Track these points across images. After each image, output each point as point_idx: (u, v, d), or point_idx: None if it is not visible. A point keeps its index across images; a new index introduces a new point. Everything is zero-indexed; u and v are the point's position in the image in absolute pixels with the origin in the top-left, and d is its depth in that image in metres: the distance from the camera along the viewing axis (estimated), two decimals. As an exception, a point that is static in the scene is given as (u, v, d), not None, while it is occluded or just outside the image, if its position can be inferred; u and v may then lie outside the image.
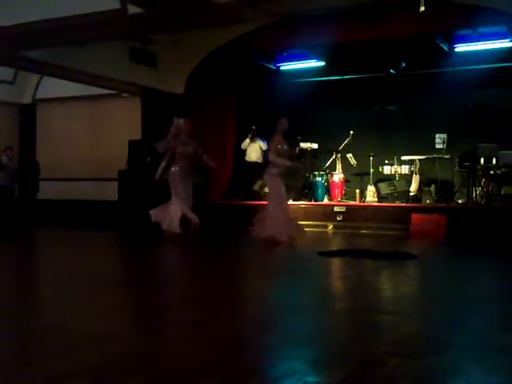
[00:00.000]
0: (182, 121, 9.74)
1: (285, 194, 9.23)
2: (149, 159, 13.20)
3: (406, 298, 5.29)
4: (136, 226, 12.39)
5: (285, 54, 13.89)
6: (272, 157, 8.99)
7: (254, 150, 14.21)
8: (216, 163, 10.10)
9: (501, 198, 11.62)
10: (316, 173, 13.40)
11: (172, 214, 9.47)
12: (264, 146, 13.79)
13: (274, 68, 14.45)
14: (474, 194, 11.67)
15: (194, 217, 9.50)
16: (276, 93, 14.57)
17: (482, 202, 11.42)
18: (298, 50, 13.59)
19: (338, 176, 13.22)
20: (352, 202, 12.90)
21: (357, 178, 13.50)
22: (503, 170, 11.67)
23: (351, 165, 13.49)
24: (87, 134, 15.16)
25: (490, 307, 4.71)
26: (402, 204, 12.23)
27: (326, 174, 13.38)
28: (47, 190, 15.39)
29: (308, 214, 12.51)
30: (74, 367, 3.06)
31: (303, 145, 13.55)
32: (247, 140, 14.18)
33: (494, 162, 11.57)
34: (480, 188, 11.68)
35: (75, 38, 10.59)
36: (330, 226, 12.20)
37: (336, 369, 3.09)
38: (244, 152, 14.32)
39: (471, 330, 3.87)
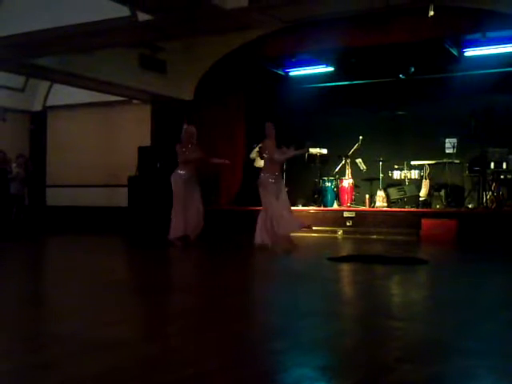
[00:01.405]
0: (185, 127, 9.87)
1: (283, 197, 9.26)
2: (158, 165, 13.25)
3: (416, 303, 5.27)
4: (146, 231, 12.44)
5: (294, 60, 13.89)
6: (277, 156, 9.10)
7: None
8: (226, 161, 10.49)
9: (511, 202, 11.57)
10: (325, 178, 13.39)
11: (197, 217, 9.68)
12: None
13: (283, 74, 14.47)
14: (485, 199, 11.62)
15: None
16: (285, 98, 14.59)
17: (493, 207, 11.37)
18: (307, 55, 13.59)
19: (347, 181, 13.20)
20: (362, 208, 12.88)
21: (366, 183, 13.49)
22: (514, 174, 11.64)
23: (361, 170, 13.48)
24: (97, 140, 15.22)
25: (502, 313, 4.69)
26: (412, 209, 12.21)
27: (336, 180, 13.37)
28: (58, 197, 15.49)
29: (317, 219, 12.50)
30: (83, 372, 3.06)
31: (312, 150, 13.55)
32: (255, 150, 14.16)
33: (504, 166, 11.54)
34: (490, 193, 11.64)
35: (85, 45, 10.66)
36: (340, 232, 12.19)
37: (346, 375, 3.09)
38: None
39: (483, 336, 3.85)
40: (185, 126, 9.95)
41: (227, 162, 10.51)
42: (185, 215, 9.58)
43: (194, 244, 9.71)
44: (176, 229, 9.61)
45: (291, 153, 9.34)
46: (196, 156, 9.74)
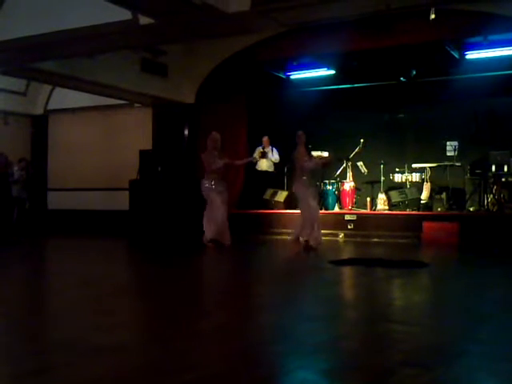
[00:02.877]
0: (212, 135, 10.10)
1: (313, 200, 9.81)
2: (159, 169, 13.26)
3: (417, 307, 5.26)
4: (147, 235, 12.44)
5: (295, 63, 13.89)
6: (311, 164, 9.76)
7: (264, 160, 14.24)
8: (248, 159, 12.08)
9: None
10: (327, 181, 13.39)
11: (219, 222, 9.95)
12: (274, 156, 13.91)
13: (284, 77, 14.46)
14: (486, 202, 11.63)
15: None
16: (286, 102, 14.60)
17: (494, 210, 11.37)
18: (308, 58, 13.60)
19: (348, 184, 13.20)
20: (363, 211, 12.87)
21: (368, 186, 13.49)
22: (515, 177, 11.63)
23: (362, 173, 13.48)
24: (98, 144, 15.23)
25: (503, 315, 4.68)
26: (413, 212, 12.20)
27: (337, 183, 13.36)
28: (59, 200, 15.49)
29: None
30: (82, 377, 3.06)
31: (314, 153, 13.52)
32: (257, 153, 14.18)
33: (505, 169, 11.54)
34: (492, 195, 11.63)
35: (87, 49, 10.66)
36: (341, 235, 12.19)
37: (348, 378, 3.09)
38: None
39: (484, 340, 3.85)
40: (185, 132, 10.10)
41: (248, 160, 11.94)
42: (214, 220, 9.88)
43: (228, 248, 9.88)
44: (208, 232, 9.93)
45: (320, 162, 10.32)
46: (221, 164, 10.01)
